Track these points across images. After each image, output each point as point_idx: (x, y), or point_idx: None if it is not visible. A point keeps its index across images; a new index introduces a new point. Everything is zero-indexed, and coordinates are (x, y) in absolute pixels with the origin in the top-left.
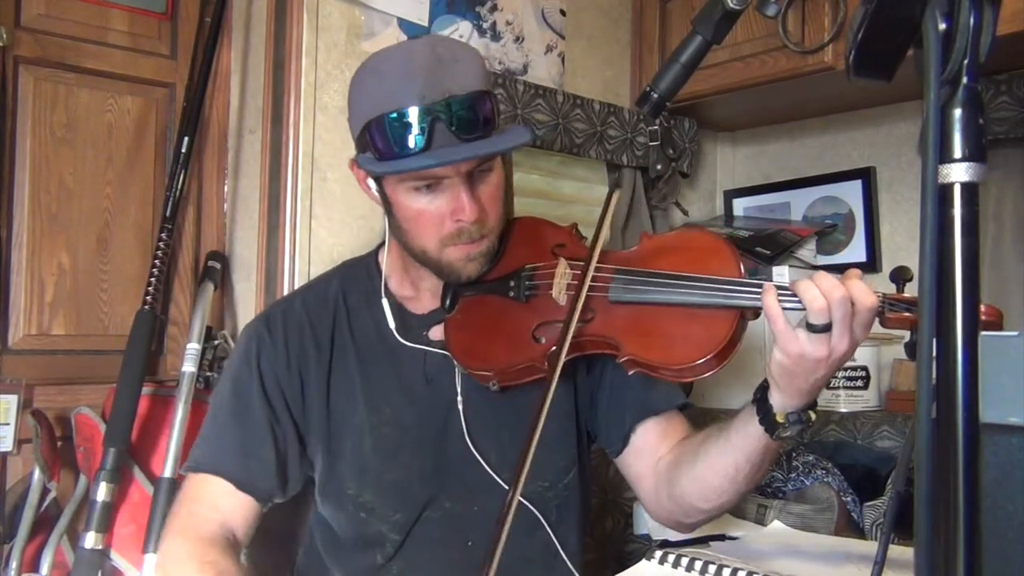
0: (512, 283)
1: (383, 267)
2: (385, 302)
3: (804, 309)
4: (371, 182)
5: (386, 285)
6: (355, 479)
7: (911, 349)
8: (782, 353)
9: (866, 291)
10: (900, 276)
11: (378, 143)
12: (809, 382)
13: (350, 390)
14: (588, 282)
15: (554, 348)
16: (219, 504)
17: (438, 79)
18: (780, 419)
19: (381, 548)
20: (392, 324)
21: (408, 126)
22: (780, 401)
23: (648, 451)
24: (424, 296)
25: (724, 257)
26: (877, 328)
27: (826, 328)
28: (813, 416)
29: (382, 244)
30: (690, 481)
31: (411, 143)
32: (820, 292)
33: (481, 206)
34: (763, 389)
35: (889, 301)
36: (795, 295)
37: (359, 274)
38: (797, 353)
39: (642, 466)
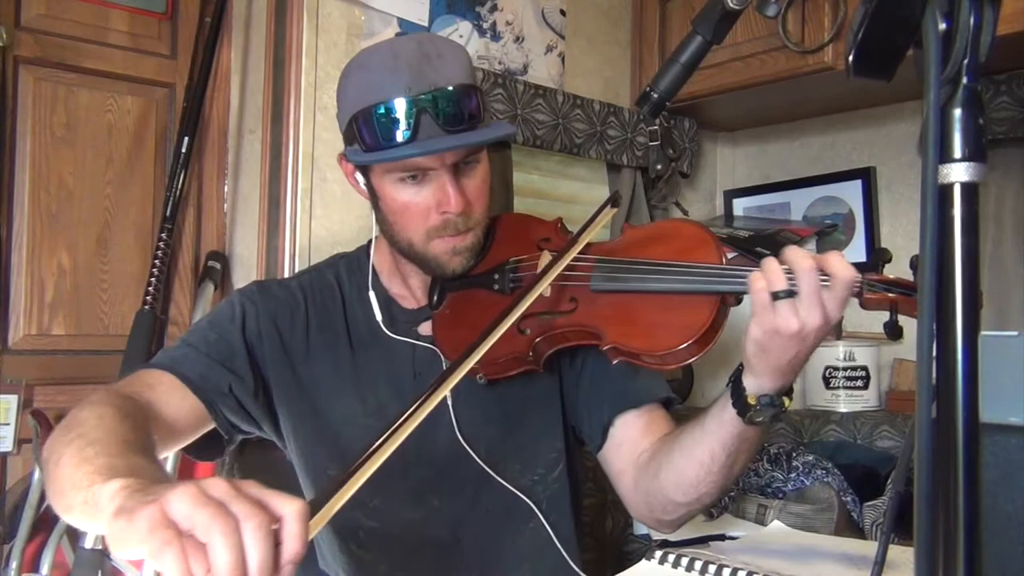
0: (496, 276)
1: (372, 261)
2: (372, 295)
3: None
4: (359, 176)
5: (377, 279)
6: (336, 463)
7: (891, 328)
8: (757, 327)
9: (844, 264)
10: (879, 258)
11: (365, 135)
12: (783, 360)
13: (338, 376)
14: (566, 259)
15: (538, 339)
16: (157, 388)
17: (424, 72)
18: (752, 401)
19: (354, 536)
20: (379, 317)
21: (394, 117)
22: (754, 383)
23: (628, 445)
24: (414, 293)
25: (705, 245)
26: (863, 316)
27: (789, 295)
28: (788, 402)
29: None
30: (667, 473)
31: (397, 134)
32: (780, 261)
33: (467, 199)
34: (737, 373)
35: (868, 281)
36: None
37: (353, 266)
38: (771, 327)
39: (622, 462)
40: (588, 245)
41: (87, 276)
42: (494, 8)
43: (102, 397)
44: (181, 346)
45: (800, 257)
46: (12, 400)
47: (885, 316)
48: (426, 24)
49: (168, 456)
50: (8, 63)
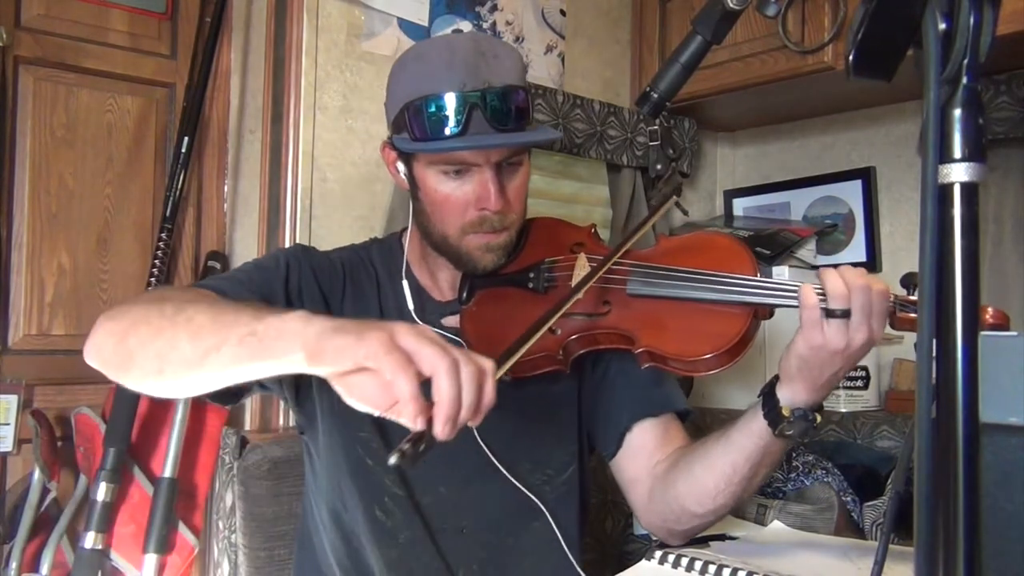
0: (532, 274)
1: (406, 249)
2: (405, 283)
3: (826, 298)
4: (400, 165)
5: (408, 267)
6: (367, 423)
7: None
8: (804, 343)
9: (880, 281)
10: (910, 281)
11: (414, 125)
12: (824, 375)
13: None
14: (611, 262)
15: (569, 339)
16: None
17: (479, 70)
18: (786, 413)
19: (380, 503)
20: (411, 305)
21: (446, 110)
22: (789, 395)
23: (644, 454)
24: (442, 287)
25: (740, 258)
26: (886, 329)
27: (845, 314)
28: (819, 418)
29: (406, 228)
30: (685, 483)
31: (447, 127)
32: (843, 280)
33: (506, 198)
34: (771, 384)
35: (900, 302)
36: (820, 287)
37: (386, 252)
38: (819, 343)
39: (636, 469)
40: (626, 251)
41: (87, 276)
42: (494, 8)
43: (173, 289)
44: (228, 278)
45: (855, 275)
46: (12, 400)
47: None
48: (426, 24)
49: (174, 436)
50: (8, 63)
